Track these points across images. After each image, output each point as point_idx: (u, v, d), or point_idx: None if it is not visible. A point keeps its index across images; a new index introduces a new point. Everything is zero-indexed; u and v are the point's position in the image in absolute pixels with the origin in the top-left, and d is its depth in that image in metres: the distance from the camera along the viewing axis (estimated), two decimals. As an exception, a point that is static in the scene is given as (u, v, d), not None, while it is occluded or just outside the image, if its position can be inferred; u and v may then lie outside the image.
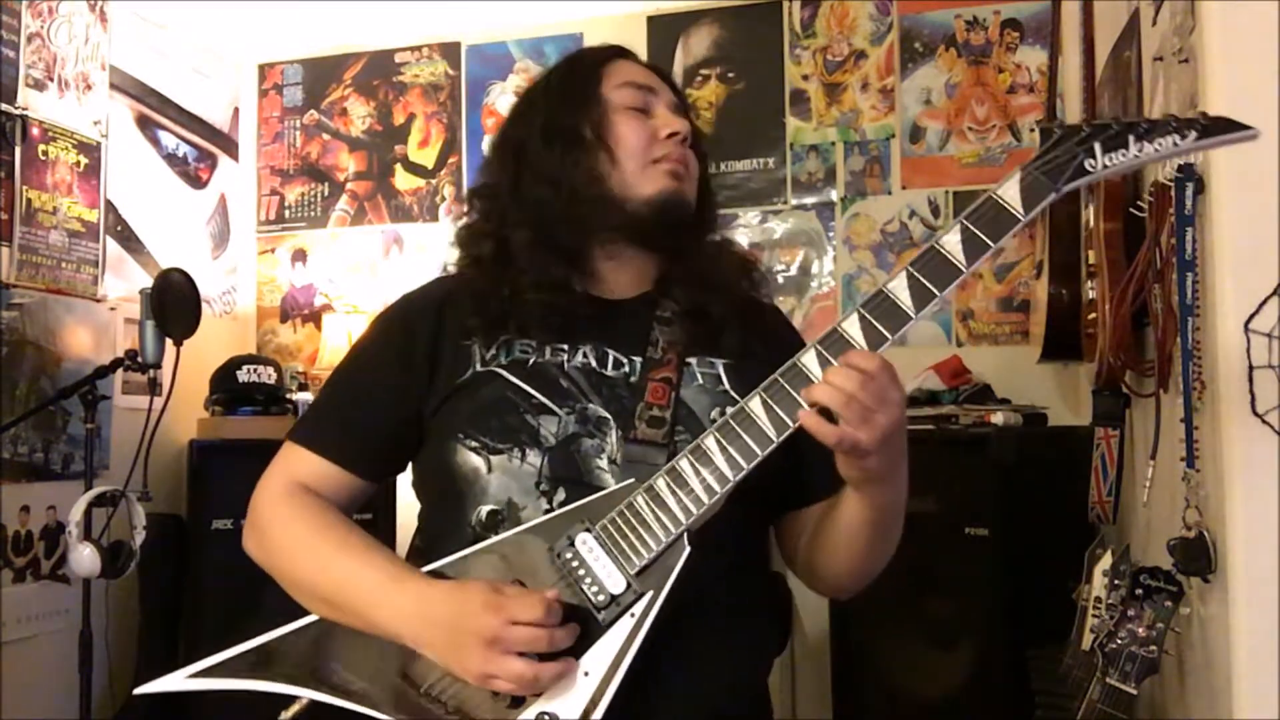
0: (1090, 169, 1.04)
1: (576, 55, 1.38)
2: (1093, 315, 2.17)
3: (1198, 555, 1.46)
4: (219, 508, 3.17)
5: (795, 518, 1.29)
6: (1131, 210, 1.81)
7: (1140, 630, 1.49)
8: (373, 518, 2.53)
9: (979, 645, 2.65)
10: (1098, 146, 1.04)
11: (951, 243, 1.05)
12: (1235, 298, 1.37)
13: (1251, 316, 1.35)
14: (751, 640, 1.26)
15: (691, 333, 1.25)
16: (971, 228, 1.05)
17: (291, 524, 1.23)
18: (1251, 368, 1.34)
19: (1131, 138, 1.04)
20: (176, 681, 1.16)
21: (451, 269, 1.35)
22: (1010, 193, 1.05)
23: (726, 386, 1.25)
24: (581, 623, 1.08)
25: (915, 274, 1.05)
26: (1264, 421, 1.34)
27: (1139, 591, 1.51)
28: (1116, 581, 1.71)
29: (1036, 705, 2.26)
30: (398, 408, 1.27)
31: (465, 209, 1.36)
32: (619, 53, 1.37)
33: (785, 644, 3.22)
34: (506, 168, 1.31)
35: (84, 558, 2.66)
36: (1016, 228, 1.05)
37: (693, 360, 1.25)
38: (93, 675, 2.76)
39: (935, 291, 1.04)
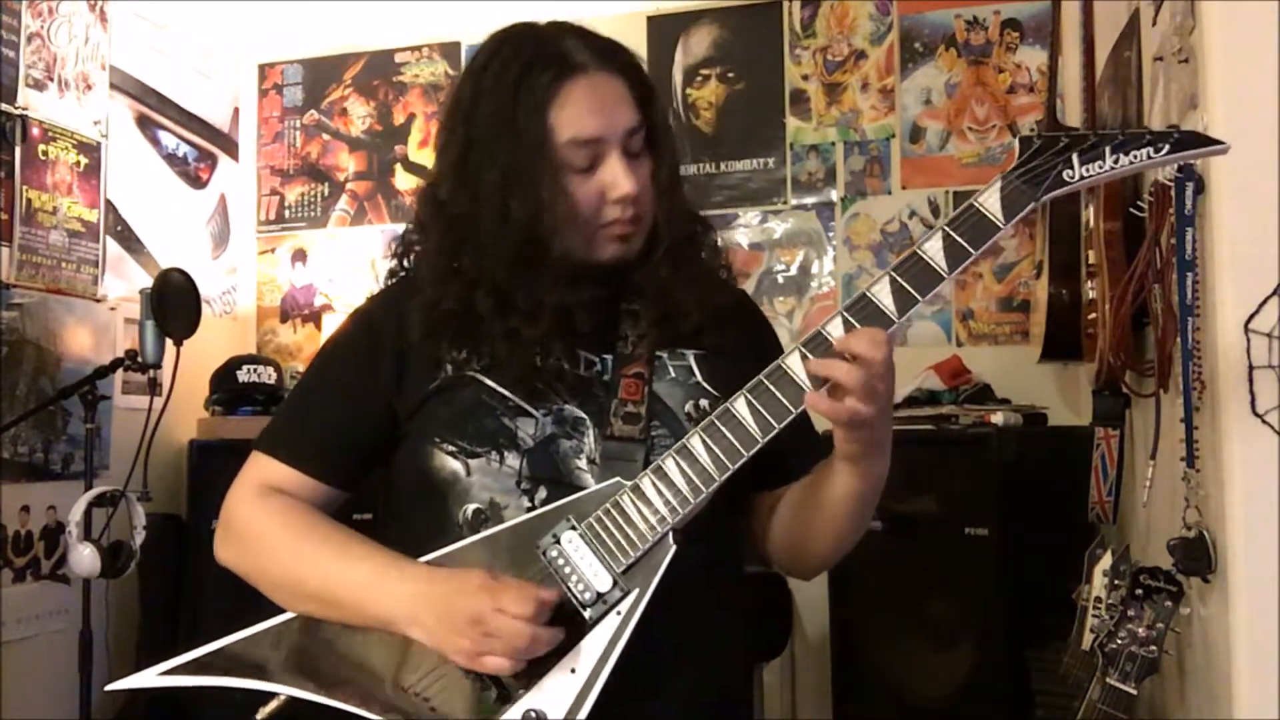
0: (1069, 179, 1.06)
1: (521, 74, 1.21)
2: (1093, 315, 2.17)
3: (1198, 555, 1.46)
4: (219, 508, 3.15)
5: (766, 496, 1.29)
6: (1131, 210, 1.81)
7: (1140, 630, 1.49)
8: (373, 518, 2.52)
9: (979, 645, 2.65)
10: (1075, 157, 1.06)
11: (934, 249, 1.07)
12: (1235, 298, 1.37)
13: (1251, 316, 1.35)
14: (730, 631, 1.26)
15: (659, 325, 1.24)
16: (953, 235, 1.07)
17: (272, 526, 1.23)
18: (1251, 368, 1.34)
19: (1108, 149, 1.06)
20: (147, 679, 1.15)
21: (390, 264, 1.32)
22: (991, 201, 1.07)
23: (699, 378, 1.25)
24: (567, 620, 1.08)
25: (898, 279, 1.07)
26: (1264, 421, 1.34)
27: (1139, 591, 1.51)
28: (1116, 581, 1.71)
29: (1036, 705, 2.26)
30: (365, 415, 1.26)
31: (418, 212, 1.29)
32: (566, 70, 1.20)
33: (785, 644, 3.22)
34: (455, 183, 1.22)
35: (84, 558, 2.66)
36: (996, 235, 1.07)
37: (663, 354, 1.25)
38: (93, 675, 2.76)
39: (917, 296, 1.07)
